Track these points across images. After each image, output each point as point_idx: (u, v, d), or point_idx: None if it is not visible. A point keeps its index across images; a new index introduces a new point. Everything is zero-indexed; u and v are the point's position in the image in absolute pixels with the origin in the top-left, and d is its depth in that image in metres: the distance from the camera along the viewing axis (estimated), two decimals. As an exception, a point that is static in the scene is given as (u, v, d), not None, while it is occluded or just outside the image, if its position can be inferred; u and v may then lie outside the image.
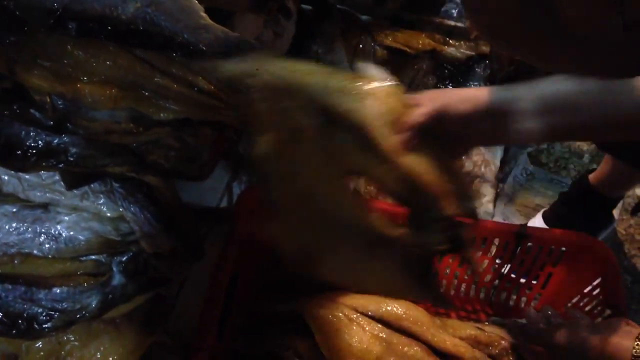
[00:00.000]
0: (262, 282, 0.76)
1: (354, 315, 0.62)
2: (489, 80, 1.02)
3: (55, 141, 0.56)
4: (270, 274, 0.78)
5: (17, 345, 0.58)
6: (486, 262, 0.77)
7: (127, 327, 0.61)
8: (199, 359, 0.58)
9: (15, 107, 0.53)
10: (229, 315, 0.65)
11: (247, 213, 0.70)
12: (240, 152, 0.88)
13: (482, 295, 0.80)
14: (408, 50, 1.09)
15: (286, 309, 0.68)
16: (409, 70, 1.02)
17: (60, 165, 0.55)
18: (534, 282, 0.77)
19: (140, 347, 0.62)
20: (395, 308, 0.63)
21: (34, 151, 0.55)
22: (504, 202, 0.93)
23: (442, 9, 1.23)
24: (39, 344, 0.58)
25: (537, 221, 0.89)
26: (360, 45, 1.03)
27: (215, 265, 0.65)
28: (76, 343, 0.59)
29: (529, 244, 0.73)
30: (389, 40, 1.11)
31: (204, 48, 0.58)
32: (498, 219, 0.90)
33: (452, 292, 0.81)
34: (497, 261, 0.76)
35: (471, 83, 1.01)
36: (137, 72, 0.56)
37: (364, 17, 1.12)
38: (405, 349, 0.59)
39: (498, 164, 0.94)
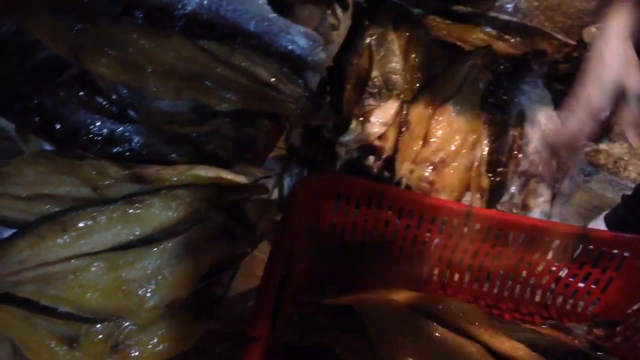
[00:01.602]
0: (311, 274, 0.76)
1: (410, 313, 0.61)
2: (546, 77, 0.99)
3: (119, 129, 0.56)
4: (320, 266, 0.78)
5: (76, 327, 0.59)
6: (543, 264, 0.75)
7: (183, 313, 0.61)
8: (253, 349, 0.58)
9: (81, 94, 0.54)
10: (280, 305, 0.65)
11: (300, 204, 0.70)
12: (292, 143, 0.88)
13: (537, 298, 0.78)
14: (462, 45, 1.07)
15: (337, 303, 0.68)
16: (463, 66, 0.99)
17: (127, 154, 0.56)
18: (593, 286, 0.75)
19: (195, 334, 0.63)
20: (452, 307, 0.62)
21: (99, 138, 0.56)
22: (561, 202, 0.91)
23: (497, 3, 1.21)
24: (99, 326, 0.59)
25: (598, 223, 0.86)
26: (414, 39, 1.02)
27: (269, 256, 0.65)
28: (134, 327, 0.59)
29: (590, 247, 0.70)
30: (442, 34, 1.09)
31: (267, 40, 0.58)
32: (555, 220, 0.88)
33: (506, 294, 0.79)
34: (555, 264, 0.74)
35: (527, 80, 0.98)
36: (200, 62, 0.56)
37: (416, 10, 1.10)
38: (462, 349, 0.58)
39: (555, 163, 0.92)
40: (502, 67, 1.00)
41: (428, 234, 0.75)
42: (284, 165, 0.88)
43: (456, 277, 0.79)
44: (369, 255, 0.80)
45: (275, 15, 0.58)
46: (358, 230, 0.77)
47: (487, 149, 0.88)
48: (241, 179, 0.58)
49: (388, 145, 0.85)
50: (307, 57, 0.60)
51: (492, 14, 1.12)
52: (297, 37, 0.59)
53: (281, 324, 0.66)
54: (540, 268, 0.76)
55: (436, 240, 0.76)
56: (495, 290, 0.79)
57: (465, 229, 0.73)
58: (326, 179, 0.72)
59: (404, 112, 0.89)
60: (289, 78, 0.60)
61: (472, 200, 0.84)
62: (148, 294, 0.57)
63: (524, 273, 0.77)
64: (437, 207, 0.71)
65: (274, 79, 0.59)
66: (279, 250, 0.65)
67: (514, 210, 0.84)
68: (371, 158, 0.85)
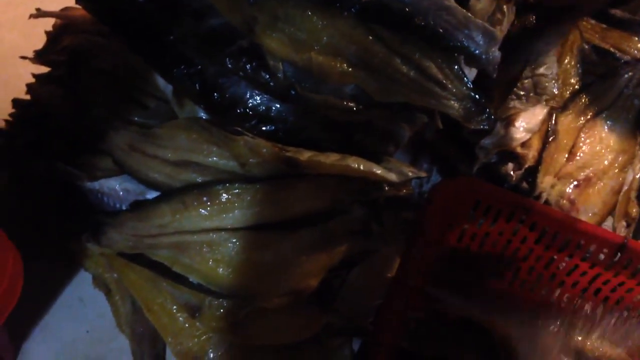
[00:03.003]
0: (435, 279, 0.72)
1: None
2: None
3: (277, 107, 0.54)
4: (439, 274, 0.74)
5: (201, 298, 0.59)
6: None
7: (308, 302, 0.60)
8: (378, 356, 0.56)
9: (248, 67, 0.52)
10: (406, 310, 0.62)
11: (437, 208, 0.66)
12: (427, 137, 0.83)
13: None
14: (618, 53, 0.98)
15: (462, 315, 0.64)
16: (618, 79, 0.91)
17: (279, 134, 0.53)
18: None
19: (316, 324, 0.61)
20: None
21: (255, 113, 0.55)
22: None
23: (660, 11, 1.10)
24: (224, 301, 0.58)
25: None
26: (569, 41, 0.94)
27: (402, 260, 0.62)
28: (259, 307, 0.58)
29: None
30: (596, 39, 1.00)
31: (442, 32, 0.54)
32: None
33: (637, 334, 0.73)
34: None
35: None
36: (370, 48, 0.53)
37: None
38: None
39: None
40: (664, 83, 0.91)
41: (567, 259, 0.70)
42: (412, 159, 0.84)
43: (587, 307, 0.73)
44: (493, 270, 0.75)
45: (455, 5, 0.54)
46: (488, 243, 0.72)
47: (639, 173, 0.81)
48: (392, 176, 0.55)
49: (531, 154, 0.79)
50: (481, 55, 0.55)
51: (648, 18, 1.02)
52: (475, 33, 0.55)
53: (403, 330, 0.63)
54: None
55: (575, 266, 0.70)
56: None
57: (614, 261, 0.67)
58: (468, 184, 0.68)
59: (552, 120, 0.82)
60: (457, 75, 0.56)
61: (617, 227, 0.77)
62: (280, 279, 0.56)
63: (665, 317, 0.70)
64: (589, 235, 0.65)
65: (442, 75, 0.55)
66: (413, 256, 0.61)
67: (661, 245, 0.77)
68: (510, 165, 0.79)
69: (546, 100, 0.85)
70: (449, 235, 0.72)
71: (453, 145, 0.83)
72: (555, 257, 0.69)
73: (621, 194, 0.79)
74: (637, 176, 0.80)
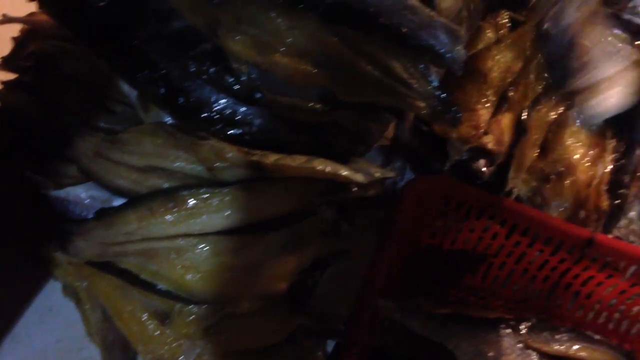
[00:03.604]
0: (406, 282, 0.72)
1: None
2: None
3: (242, 111, 0.54)
4: (412, 272, 0.74)
5: (171, 305, 0.58)
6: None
7: (280, 304, 0.60)
8: (350, 357, 0.56)
9: (211, 71, 0.52)
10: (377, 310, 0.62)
11: (408, 206, 0.66)
12: (400, 135, 0.83)
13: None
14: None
15: (429, 336, 0.63)
16: (589, 71, 0.92)
17: (246, 137, 0.53)
18: None
19: (289, 326, 0.61)
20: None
21: (221, 117, 0.54)
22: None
23: (630, 5, 1.10)
24: (194, 307, 0.58)
25: None
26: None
27: (372, 259, 0.62)
28: (229, 312, 0.58)
29: None
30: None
31: (406, 31, 0.54)
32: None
33: (611, 326, 0.73)
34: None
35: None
36: (334, 49, 0.53)
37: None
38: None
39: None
40: (633, 77, 0.91)
41: (538, 254, 0.70)
42: (386, 158, 0.84)
43: (559, 301, 0.74)
44: (466, 267, 0.75)
45: (419, 4, 0.54)
46: (460, 240, 0.73)
47: (610, 166, 0.81)
48: (358, 177, 0.54)
49: (503, 150, 0.79)
50: (446, 53, 0.55)
51: (626, 15, 1.03)
52: (439, 32, 0.54)
53: (375, 329, 0.63)
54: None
55: (545, 261, 0.71)
56: (600, 321, 0.73)
57: (582, 255, 0.67)
58: (439, 182, 0.68)
59: (524, 115, 0.82)
60: (423, 75, 0.56)
61: (587, 221, 0.77)
62: (249, 284, 0.55)
63: (637, 308, 0.71)
64: (558, 230, 0.65)
65: (407, 74, 0.55)
66: (383, 254, 0.61)
67: (631, 237, 0.77)
68: (482, 162, 0.79)
69: (517, 96, 0.85)
70: (421, 232, 0.72)
71: (426, 143, 0.83)
72: (526, 252, 0.70)
73: (592, 187, 0.80)
74: (607, 169, 0.81)
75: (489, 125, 0.80)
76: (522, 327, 0.61)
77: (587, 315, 0.74)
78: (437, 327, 0.60)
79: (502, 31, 0.90)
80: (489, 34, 0.87)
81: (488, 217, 0.68)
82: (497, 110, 0.79)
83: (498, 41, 0.89)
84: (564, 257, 0.68)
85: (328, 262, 0.63)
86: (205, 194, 0.54)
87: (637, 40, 1.00)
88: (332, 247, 0.60)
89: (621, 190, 0.79)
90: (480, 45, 0.89)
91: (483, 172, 0.79)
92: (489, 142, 0.80)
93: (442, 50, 0.55)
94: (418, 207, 0.67)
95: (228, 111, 0.54)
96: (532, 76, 0.88)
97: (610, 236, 0.74)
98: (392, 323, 0.65)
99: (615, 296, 0.71)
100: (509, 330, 0.60)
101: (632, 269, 0.67)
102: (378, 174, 0.56)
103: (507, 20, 0.89)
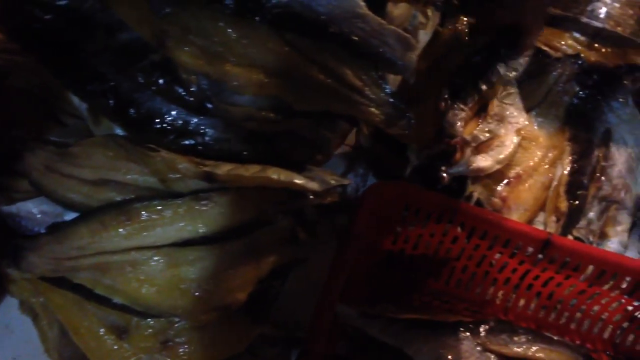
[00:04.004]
0: (370, 288, 0.72)
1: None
2: (638, 95, 0.92)
3: (194, 121, 0.54)
4: (382, 279, 0.74)
5: (127, 319, 0.58)
6: (617, 302, 0.70)
7: (238, 315, 0.59)
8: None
9: (160, 82, 0.51)
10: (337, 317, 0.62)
11: (367, 212, 0.67)
12: (361, 142, 0.84)
13: (606, 334, 0.73)
14: (549, 50, 1.00)
15: (390, 342, 0.63)
16: (548, 76, 0.93)
17: (199, 148, 0.53)
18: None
19: (248, 337, 0.61)
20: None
21: (173, 128, 0.54)
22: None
23: (588, 8, 1.12)
24: (151, 321, 0.57)
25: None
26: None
27: (332, 265, 0.62)
28: (187, 326, 0.57)
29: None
30: (527, 37, 1.02)
31: (357, 40, 0.54)
32: (632, 252, 0.82)
33: (573, 326, 0.74)
34: (635, 303, 0.68)
35: (618, 97, 0.91)
36: (285, 58, 0.53)
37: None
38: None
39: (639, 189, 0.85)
40: (591, 79, 0.93)
41: (498, 256, 0.71)
42: (348, 165, 0.84)
43: (521, 302, 0.75)
44: (429, 271, 0.76)
45: (369, 12, 0.54)
46: (421, 244, 0.73)
47: (568, 168, 0.83)
48: (314, 185, 0.54)
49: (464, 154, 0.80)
50: (397, 61, 0.55)
51: (584, 19, 1.04)
52: (390, 39, 0.55)
53: (337, 337, 0.63)
54: (615, 305, 0.71)
55: (505, 263, 0.71)
56: (562, 321, 0.74)
57: (540, 256, 0.68)
58: (398, 188, 0.69)
59: (481, 120, 0.83)
60: (375, 82, 0.56)
61: (547, 222, 0.79)
62: (206, 295, 0.55)
63: (597, 308, 0.72)
64: (515, 232, 0.66)
65: (360, 82, 0.55)
66: (342, 261, 0.61)
67: (591, 238, 0.79)
68: (442, 167, 0.80)
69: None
70: (382, 238, 0.72)
71: (387, 149, 0.83)
72: (486, 254, 0.71)
73: (551, 189, 0.81)
74: (566, 171, 0.82)
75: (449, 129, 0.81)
76: (481, 329, 0.61)
77: (550, 316, 0.75)
78: (397, 332, 0.61)
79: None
80: (447, 40, 0.88)
81: (447, 221, 0.69)
82: (455, 114, 0.80)
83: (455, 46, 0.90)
84: (523, 259, 0.69)
85: (287, 271, 0.62)
86: (158, 206, 0.53)
87: (596, 43, 1.02)
88: (290, 255, 0.60)
89: (580, 192, 0.81)
90: (441, 50, 0.90)
91: (443, 177, 0.80)
92: (449, 146, 0.81)
93: (393, 58, 0.55)
94: (377, 213, 0.67)
95: (180, 122, 0.53)
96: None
97: (569, 237, 0.75)
98: (354, 330, 0.66)
99: (575, 296, 0.72)
100: (467, 334, 0.60)
101: (590, 268, 0.68)
102: (334, 182, 0.56)
103: (465, 25, 0.90)
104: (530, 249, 0.68)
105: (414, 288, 0.75)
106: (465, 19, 0.92)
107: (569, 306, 0.73)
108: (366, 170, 0.84)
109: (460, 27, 0.92)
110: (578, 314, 0.74)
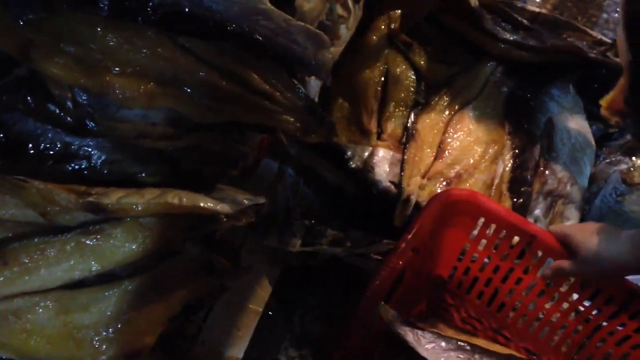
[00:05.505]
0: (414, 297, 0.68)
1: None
2: (578, 82, 0.88)
3: (76, 143, 0.46)
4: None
5: None
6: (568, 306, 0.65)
7: (153, 354, 0.52)
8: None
9: (29, 100, 0.44)
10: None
11: (433, 218, 0.63)
12: (288, 150, 0.77)
13: (564, 348, 0.68)
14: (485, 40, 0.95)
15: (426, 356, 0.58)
16: (485, 66, 0.88)
17: (85, 172, 0.45)
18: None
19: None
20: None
21: (51, 153, 0.46)
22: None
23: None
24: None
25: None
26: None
27: (384, 262, 0.58)
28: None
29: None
30: (463, 26, 0.97)
31: (261, 39, 0.48)
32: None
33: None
34: (594, 312, 0.63)
35: (557, 84, 0.86)
36: (179, 64, 0.46)
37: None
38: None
39: (586, 182, 0.81)
40: (529, 68, 0.88)
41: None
42: (278, 175, 0.77)
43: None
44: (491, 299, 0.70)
45: (272, 8, 0.47)
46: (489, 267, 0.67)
47: (510, 163, 0.78)
48: (224, 207, 0.48)
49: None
50: (310, 60, 0.49)
51: (520, 3, 1.00)
52: (299, 37, 0.48)
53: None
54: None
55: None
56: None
57: None
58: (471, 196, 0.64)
59: (411, 118, 0.78)
60: (287, 85, 0.50)
61: (491, 223, 0.74)
62: (105, 344, 0.47)
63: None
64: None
65: (268, 86, 0.49)
66: (393, 263, 0.57)
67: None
68: (377, 171, 0.75)
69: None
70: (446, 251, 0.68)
71: (319, 155, 0.77)
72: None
73: (493, 187, 0.76)
74: (508, 167, 0.78)
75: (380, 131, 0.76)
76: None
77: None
78: (438, 350, 0.56)
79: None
80: (374, 37, 0.82)
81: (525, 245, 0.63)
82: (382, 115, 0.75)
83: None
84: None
85: (206, 303, 0.55)
86: (40, 243, 0.46)
87: (533, 29, 0.98)
88: (205, 286, 0.53)
89: (523, 188, 0.76)
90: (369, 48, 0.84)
91: (378, 180, 0.74)
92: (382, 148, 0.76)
93: (304, 57, 0.49)
94: (442, 222, 0.64)
95: (58, 145, 0.46)
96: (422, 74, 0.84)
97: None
98: (388, 335, 0.59)
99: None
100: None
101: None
102: (247, 201, 0.49)
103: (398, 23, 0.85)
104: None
105: (461, 307, 0.70)
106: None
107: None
108: (296, 178, 0.78)
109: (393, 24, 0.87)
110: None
